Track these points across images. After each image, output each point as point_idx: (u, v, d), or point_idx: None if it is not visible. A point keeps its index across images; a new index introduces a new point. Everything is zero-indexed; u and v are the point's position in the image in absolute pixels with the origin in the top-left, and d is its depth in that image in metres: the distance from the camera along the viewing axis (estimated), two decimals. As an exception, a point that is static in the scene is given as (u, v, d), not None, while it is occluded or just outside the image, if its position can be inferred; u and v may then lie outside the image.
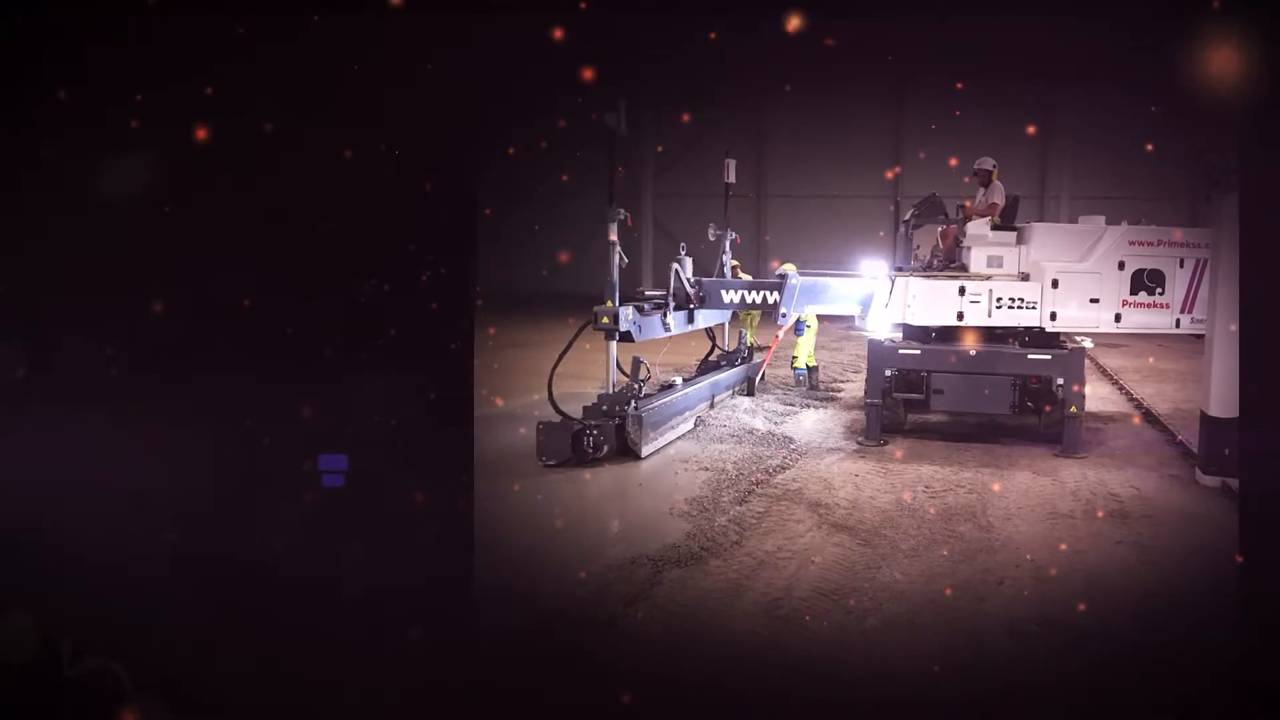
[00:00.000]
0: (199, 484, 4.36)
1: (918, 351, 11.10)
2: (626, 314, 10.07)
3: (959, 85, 28.88)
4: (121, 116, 4.19)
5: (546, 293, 27.16)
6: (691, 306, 11.59)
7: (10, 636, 4.17)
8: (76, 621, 4.25)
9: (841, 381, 15.96)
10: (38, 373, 4.21)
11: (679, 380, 12.25)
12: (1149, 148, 25.71)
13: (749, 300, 11.77)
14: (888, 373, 11.14)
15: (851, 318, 11.99)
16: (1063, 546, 7.48)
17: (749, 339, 15.04)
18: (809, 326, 14.77)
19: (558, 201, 31.14)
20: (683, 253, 11.74)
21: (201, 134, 4.21)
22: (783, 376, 15.61)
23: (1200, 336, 10.09)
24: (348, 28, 4.33)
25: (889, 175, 31.79)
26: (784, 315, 11.73)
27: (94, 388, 4.23)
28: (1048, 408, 10.92)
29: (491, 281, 27.91)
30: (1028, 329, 11.05)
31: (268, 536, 4.37)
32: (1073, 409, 10.59)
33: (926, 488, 9.14)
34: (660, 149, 32.50)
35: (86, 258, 4.22)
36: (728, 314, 13.62)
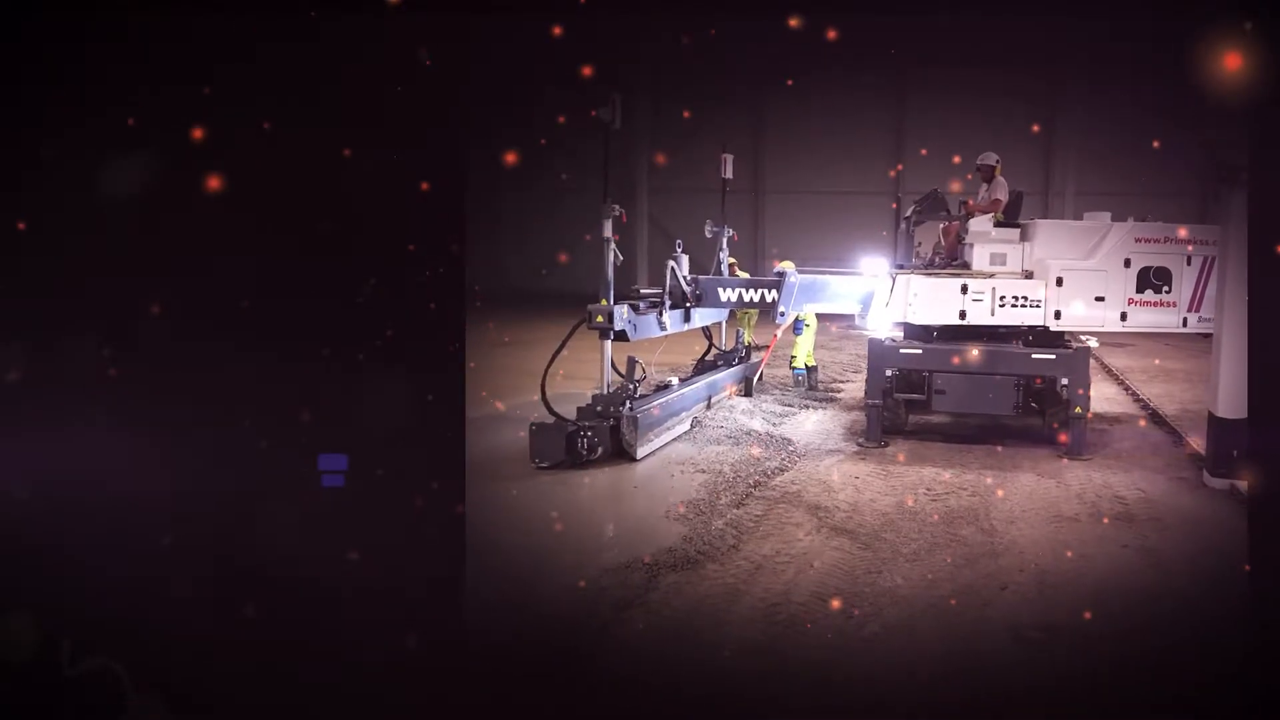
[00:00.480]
0: (198, 484, 4.41)
1: (919, 351, 11.15)
2: (621, 312, 10.09)
3: (962, 79, 28.99)
4: (121, 116, 4.24)
5: (543, 291, 27.23)
6: (688, 305, 11.60)
7: (10, 636, 4.22)
8: (76, 621, 4.30)
9: (841, 382, 16.01)
10: (36, 373, 4.26)
11: (675, 380, 12.28)
12: (1156, 143, 25.81)
13: (746, 299, 11.78)
14: (888, 373, 11.19)
15: (851, 316, 12.01)
16: (1067, 551, 7.53)
17: (747, 338, 15.07)
18: (808, 325, 14.81)
19: (555, 199, 31.18)
20: (679, 250, 11.75)
21: (201, 134, 4.26)
22: (781, 377, 15.66)
23: (1208, 336, 10.15)
24: (347, 28, 4.37)
25: (890, 171, 31.83)
26: (782, 314, 11.74)
27: (93, 388, 4.28)
28: (1052, 409, 10.98)
29: (486, 280, 28.00)
30: (1031, 328, 11.11)
31: (265, 538, 4.42)
32: (1077, 410, 10.65)
33: (928, 490, 9.19)
34: (656, 143, 32.48)
35: (86, 258, 4.26)
36: (725, 313, 13.65)
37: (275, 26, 4.30)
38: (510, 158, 29.25)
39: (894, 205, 30.17)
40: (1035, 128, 29.83)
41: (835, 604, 6.39)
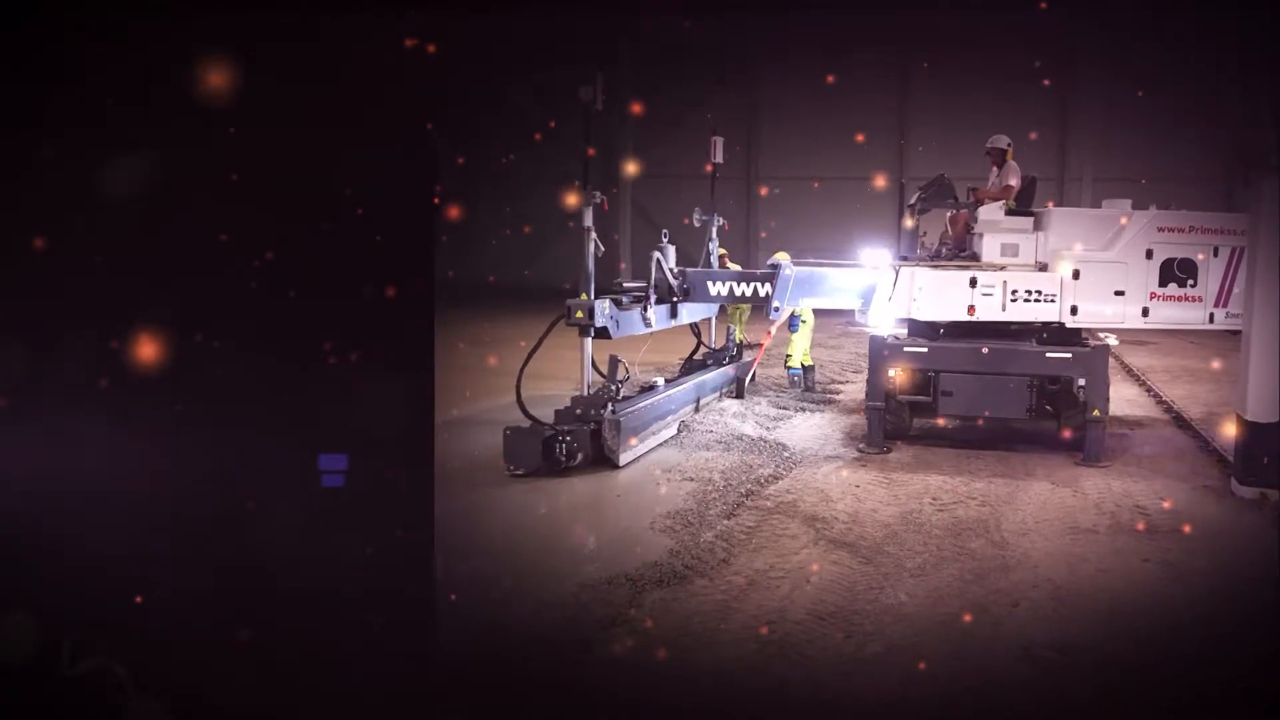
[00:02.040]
0: (197, 485, 4.50)
1: (924, 349, 11.14)
2: (603, 308, 10.06)
3: (971, 57, 29.01)
4: (121, 116, 4.33)
5: (534, 287, 27.24)
6: (674, 299, 11.57)
7: (10, 636, 4.32)
8: (76, 621, 4.41)
9: (840, 382, 16.03)
10: (36, 372, 4.36)
11: (661, 381, 12.26)
12: (1179, 125, 25.86)
13: (738, 293, 11.76)
14: (891, 373, 11.20)
15: (851, 312, 12.02)
16: (1084, 564, 7.54)
17: (738, 336, 15.08)
18: (804, 322, 14.80)
19: (551, 195, 31.18)
20: (665, 240, 11.73)
21: (196, 134, 4.34)
22: (775, 377, 15.66)
23: (1236, 333, 10.17)
24: (343, 26, 4.44)
25: (893, 157, 31.82)
26: (777, 309, 11.74)
27: (93, 388, 4.37)
28: (1068, 412, 10.99)
29: (476, 277, 28.09)
30: (1046, 324, 11.10)
31: (249, 542, 4.51)
32: (1095, 412, 10.64)
33: (934, 500, 9.19)
34: (643, 127, 32.39)
35: (86, 257, 4.35)
36: (715, 308, 13.65)
37: (273, 26, 4.37)
38: (504, 156, 29.40)
39: (898, 193, 30.21)
40: (1049, 109, 29.86)
41: (834, 622, 6.38)
